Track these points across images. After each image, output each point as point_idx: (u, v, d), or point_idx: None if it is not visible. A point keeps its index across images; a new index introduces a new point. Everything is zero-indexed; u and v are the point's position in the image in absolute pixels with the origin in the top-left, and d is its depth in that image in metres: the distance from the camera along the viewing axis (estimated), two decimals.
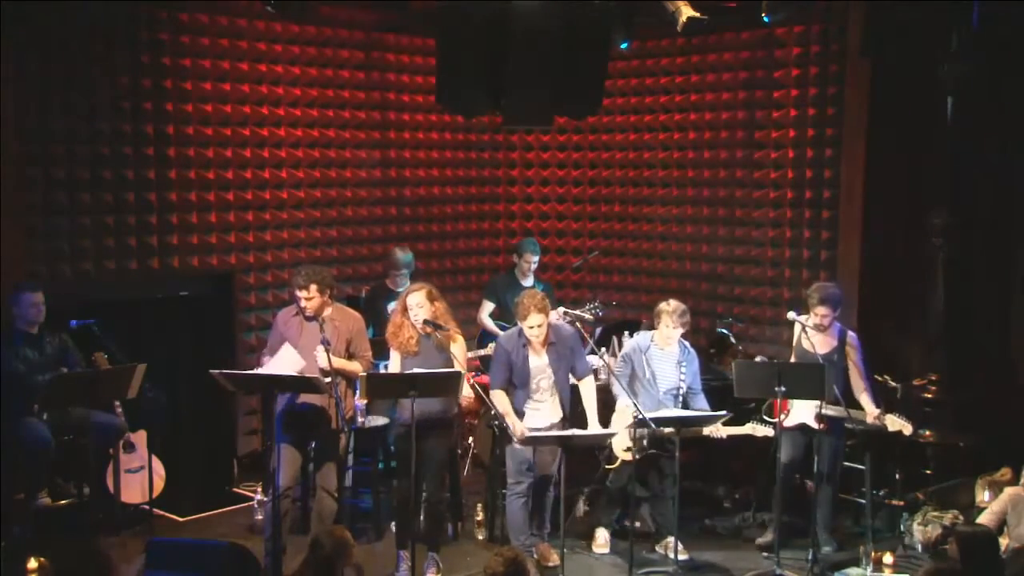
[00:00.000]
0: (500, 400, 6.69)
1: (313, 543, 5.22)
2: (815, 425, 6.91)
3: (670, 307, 7.00)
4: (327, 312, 6.65)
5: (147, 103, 7.92)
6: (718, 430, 6.84)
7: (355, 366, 6.66)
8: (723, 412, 6.98)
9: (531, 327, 6.61)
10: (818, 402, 6.77)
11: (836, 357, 6.98)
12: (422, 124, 9.70)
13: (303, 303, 6.59)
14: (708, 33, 8.89)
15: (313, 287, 6.56)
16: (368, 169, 9.30)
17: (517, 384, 6.72)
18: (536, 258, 8.72)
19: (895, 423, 6.82)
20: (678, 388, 7.05)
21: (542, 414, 6.76)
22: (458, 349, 6.69)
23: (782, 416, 6.93)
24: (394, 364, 6.74)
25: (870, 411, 6.86)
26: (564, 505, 6.58)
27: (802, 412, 6.97)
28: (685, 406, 7.06)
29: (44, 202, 7.48)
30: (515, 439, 6.57)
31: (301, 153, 8.84)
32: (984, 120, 8.00)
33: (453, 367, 6.48)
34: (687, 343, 7.17)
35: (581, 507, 7.74)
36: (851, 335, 7.12)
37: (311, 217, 8.97)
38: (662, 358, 7.06)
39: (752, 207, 9.25)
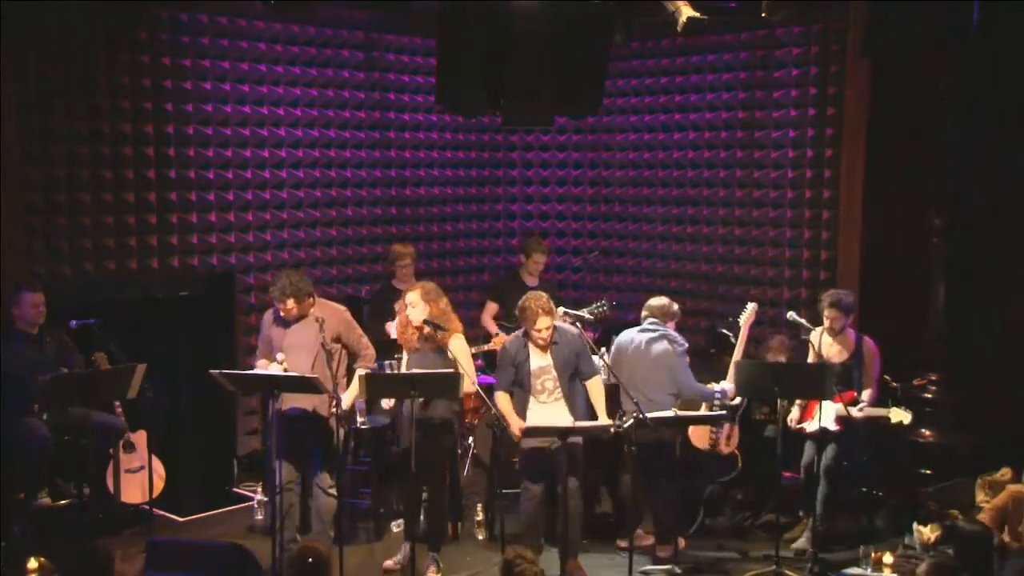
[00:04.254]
0: (502, 401, 6.69)
1: (298, 553, 5.19)
2: (833, 428, 6.98)
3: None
4: (313, 311, 6.73)
5: (147, 103, 7.92)
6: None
7: (356, 385, 6.68)
8: (722, 412, 7.03)
9: (539, 330, 6.60)
10: (840, 406, 6.84)
11: (852, 363, 7.07)
12: (422, 124, 9.70)
13: (282, 312, 6.67)
14: (708, 33, 8.89)
15: (290, 302, 6.62)
16: (368, 169, 9.32)
17: (522, 386, 6.70)
18: (545, 259, 8.75)
19: (897, 414, 6.89)
20: None
21: (548, 416, 6.66)
22: (459, 348, 6.70)
23: (807, 424, 7.13)
24: (404, 362, 6.78)
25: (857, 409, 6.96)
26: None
27: (826, 417, 7.00)
28: None
29: (44, 202, 7.49)
30: (513, 436, 6.56)
31: (301, 153, 8.84)
32: (984, 120, 7.99)
33: (450, 367, 6.50)
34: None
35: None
36: (869, 342, 7.16)
37: (311, 217, 8.97)
38: None
39: (752, 207, 9.24)
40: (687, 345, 7.16)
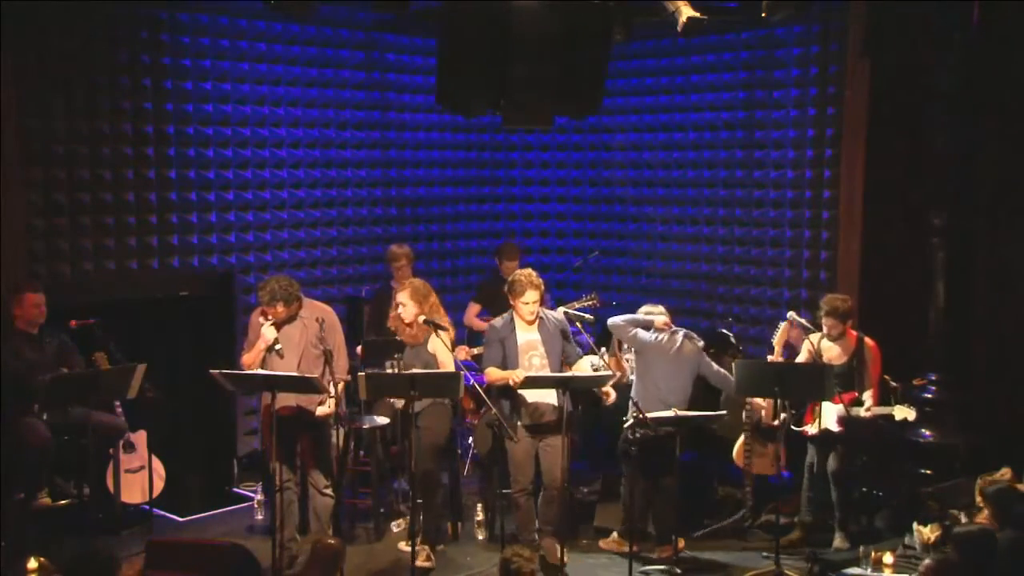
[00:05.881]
0: (493, 372, 6.75)
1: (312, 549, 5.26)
2: (836, 429, 6.99)
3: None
4: (303, 312, 6.74)
5: (147, 103, 7.93)
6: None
7: (341, 380, 6.69)
8: (722, 412, 7.04)
9: (527, 303, 6.70)
10: (843, 407, 6.87)
11: (852, 365, 7.09)
12: (422, 124, 9.71)
13: (272, 316, 6.66)
14: (708, 33, 8.89)
15: (280, 306, 6.61)
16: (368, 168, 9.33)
17: (509, 365, 6.71)
18: (515, 263, 8.71)
19: (901, 411, 6.95)
20: None
21: (537, 395, 6.71)
22: (438, 343, 6.76)
23: (808, 427, 7.14)
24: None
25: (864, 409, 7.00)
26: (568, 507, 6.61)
27: (827, 419, 7.01)
28: None
29: (44, 202, 7.49)
30: (514, 384, 6.57)
31: (301, 153, 8.85)
32: (984, 120, 7.99)
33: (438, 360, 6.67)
34: None
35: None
36: (871, 343, 7.17)
37: (311, 217, 8.97)
38: None
39: (752, 207, 9.25)
40: (703, 342, 7.27)
